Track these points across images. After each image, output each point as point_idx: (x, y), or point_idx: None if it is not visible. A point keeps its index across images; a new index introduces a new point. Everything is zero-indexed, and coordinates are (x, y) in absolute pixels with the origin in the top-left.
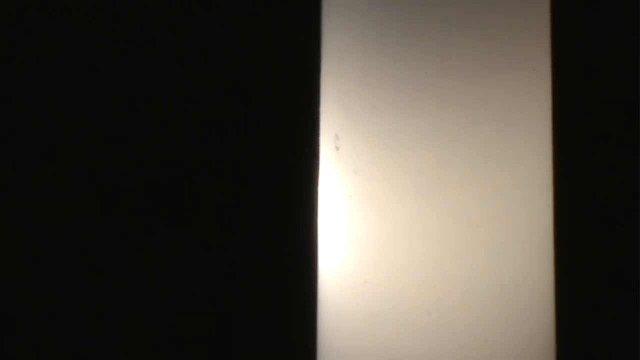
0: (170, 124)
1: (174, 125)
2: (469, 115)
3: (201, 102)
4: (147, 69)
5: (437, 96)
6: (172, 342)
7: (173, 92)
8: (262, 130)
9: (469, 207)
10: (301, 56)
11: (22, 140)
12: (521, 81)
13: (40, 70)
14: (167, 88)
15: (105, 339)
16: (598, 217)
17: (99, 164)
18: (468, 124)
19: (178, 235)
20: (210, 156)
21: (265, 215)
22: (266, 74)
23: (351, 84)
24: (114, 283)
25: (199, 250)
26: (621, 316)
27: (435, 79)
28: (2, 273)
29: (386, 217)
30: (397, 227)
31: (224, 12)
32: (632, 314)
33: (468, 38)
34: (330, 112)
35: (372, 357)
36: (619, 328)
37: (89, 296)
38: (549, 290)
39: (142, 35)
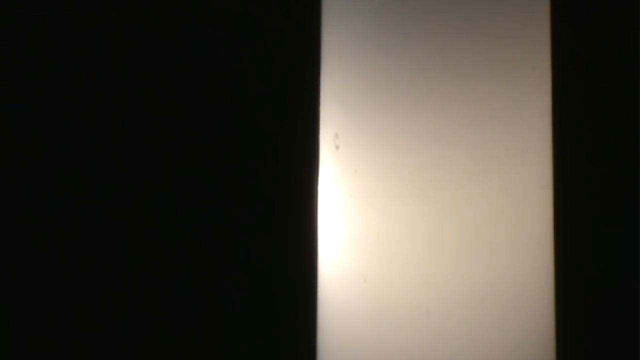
0: (171, 124)
1: (175, 126)
2: (468, 114)
3: (201, 102)
4: (147, 69)
5: (437, 96)
6: (172, 341)
7: (173, 93)
8: (263, 130)
9: (469, 207)
10: (301, 56)
11: (22, 140)
12: (521, 81)
13: (39, 71)
14: (167, 89)
15: (103, 339)
16: (598, 217)
17: (102, 165)
18: (468, 123)
19: (178, 234)
20: (211, 156)
21: (265, 214)
22: (266, 74)
23: (351, 83)
24: (114, 283)
25: (199, 250)
26: (621, 316)
27: (435, 79)
28: (2, 273)
29: (386, 216)
30: (397, 226)
31: (224, 12)
32: (632, 314)
33: (468, 38)
34: (330, 112)
35: (372, 355)
36: (619, 328)
37: (88, 296)
38: (549, 290)
39: (143, 36)
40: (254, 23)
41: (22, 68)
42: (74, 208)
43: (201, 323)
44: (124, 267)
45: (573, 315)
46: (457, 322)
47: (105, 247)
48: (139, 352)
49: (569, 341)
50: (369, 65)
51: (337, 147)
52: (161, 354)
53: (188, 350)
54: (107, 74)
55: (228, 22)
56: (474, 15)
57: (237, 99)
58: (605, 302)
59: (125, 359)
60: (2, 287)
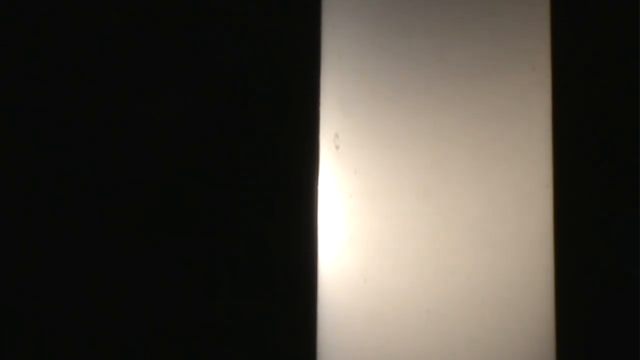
0: (171, 124)
1: (175, 126)
2: (468, 114)
3: (202, 102)
4: (147, 69)
5: (437, 96)
6: (172, 341)
7: (173, 93)
8: (263, 130)
9: (469, 206)
10: (301, 56)
11: (22, 141)
12: (521, 81)
13: (39, 71)
14: (168, 88)
15: (103, 339)
16: (598, 217)
17: (102, 165)
18: (468, 123)
19: (178, 234)
20: (211, 156)
21: (265, 214)
22: (266, 74)
23: (351, 83)
24: (114, 283)
25: (199, 249)
26: (621, 316)
27: (435, 79)
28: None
29: (386, 216)
30: (397, 226)
31: (223, 12)
32: (632, 314)
33: (468, 38)
34: (330, 112)
35: (372, 356)
36: (619, 328)
37: (87, 296)
38: (549, 290)
39: (143, 35)
40: (254, 23)
41: (22, 68)
42: (74, 208)
43: (200, 323)
44: (123, 267)
45: (573, 315)
46: (457, 322)
47: (105, 247)
48: (137, 352)
49: (569, 341)
50: (369, 65)
51: (337, 147)
52: (160, 353)
53: (187, 350)
54: (107, 74)
55: (228, 22)
56: (474, 15)
57: (237, 99)
58: (605, 302)
59: (123, 358)
60: (2, 287)
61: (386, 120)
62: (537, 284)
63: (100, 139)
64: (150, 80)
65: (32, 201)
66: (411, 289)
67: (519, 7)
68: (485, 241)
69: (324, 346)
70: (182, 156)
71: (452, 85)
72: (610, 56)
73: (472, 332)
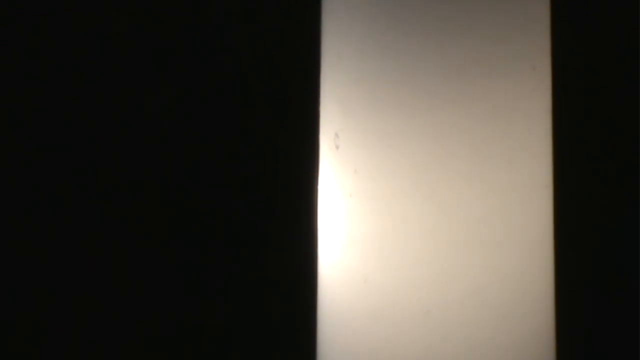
0: (171, 124)
1: (175, 126)
2: (468, 114)
3: (201, 101)
4: (146, 68)
5: (437, 95)
6: (170, 341)
7: (173, 92)
8: (263, 129)
9: (469, 206)
10: (301, 56)
11: (21, 140)
12: (521, 80)
13: (39, 71)
14: (167, 89)
15: (102, 340)
16: (598, 217)
17: (102, 165)
18: (468, 123)
19: (178, 235)
20: (211, 155)
21: (265, 214)
22: (266, 73)
23: (351, 83)
24: (112, 283)
25: (198, 248)
26: (621, 316)
27: (435, 78)
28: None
29: (386, 215)
30: (397, 226)
31: (223, 11)
32: (632, 314)
33: (468, 37)
34: (330, 111)
35: (372, 356)
36: (619, 328)
37: (85, 297)
38: (549, 290)
39: (143, 35)
40: (254, 23)
41: (22, 68)
42: (74, 208)
43: (200, 322)
44: (122, 267)
45: (573, 315)
46: (457, 322)
47: (104, 247)
48: (136, 352)
49: (569, 341)
50: (369, 65)
51: (337, 147)
52: (159, 353)
53: (186, 350)
54: (107, 74)
55: (228, 22)
56: (474, 15)
57: (237, 99)
58: (605, 302)
59: (121, 359)
60: (2, 287)
61: (386, 120)
62: (537, 284)
63: (100, 139)
64: (150, 80)
65: (32, 201)
66: (411, 289)
67: (519, 7)
68: (486, 241)
69: (324, 346)
70: (182, 156)
71: (452, 85)
72: (610, 56)
73: (472, 332)
